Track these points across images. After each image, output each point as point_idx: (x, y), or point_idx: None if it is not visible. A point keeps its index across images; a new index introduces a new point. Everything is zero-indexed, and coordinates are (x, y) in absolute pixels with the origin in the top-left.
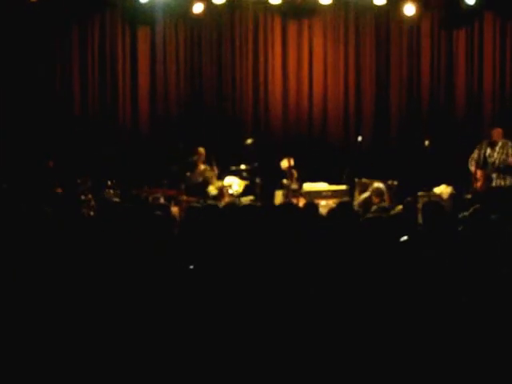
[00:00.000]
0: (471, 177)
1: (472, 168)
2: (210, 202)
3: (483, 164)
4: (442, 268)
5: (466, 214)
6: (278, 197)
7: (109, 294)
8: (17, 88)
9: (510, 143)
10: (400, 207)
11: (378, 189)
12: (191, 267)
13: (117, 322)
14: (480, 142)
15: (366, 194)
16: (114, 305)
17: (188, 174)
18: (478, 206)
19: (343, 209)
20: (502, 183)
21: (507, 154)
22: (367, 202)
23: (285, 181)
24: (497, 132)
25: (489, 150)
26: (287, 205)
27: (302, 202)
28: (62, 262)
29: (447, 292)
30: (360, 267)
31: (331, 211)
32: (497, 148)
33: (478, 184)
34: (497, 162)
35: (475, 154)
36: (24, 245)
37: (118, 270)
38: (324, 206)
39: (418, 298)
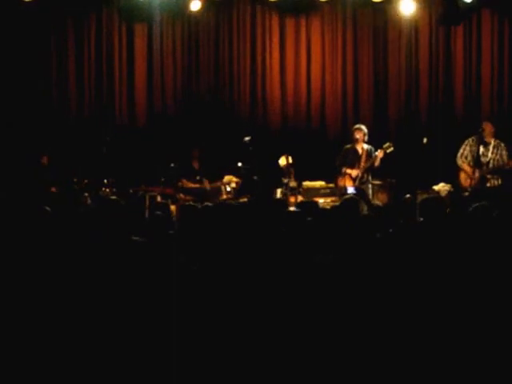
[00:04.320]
0: (458, 173)
1: (465, 166)
2: (207, 200)
3: (477, 162)
4: (442, 267)
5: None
6: (276, 194)
7: (108, 294)
8: (12, 85)
9: (502, 144)
10: None
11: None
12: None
13: (116, 320)
14: (470, 139)
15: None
16: (113, 304)
17: (185, 171)
18: (479, 204)
19: (348, 206)
20: (497, 183)
21: (501, 156)
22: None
23: (283, 178)
24: (488, 127)
25: (482, 149)
26: (282, 201)
27: (300, 200)
28: (61, 261)
29: (447, 290)
30: (360, 265)
31: (335, 208)
32: (490, 147)
33: (472, 182)
34: (491, 162)
35: (465, 151)
36: (22, 244)
37: (116, 268)
38: (322, 203)
39: (418, 296)
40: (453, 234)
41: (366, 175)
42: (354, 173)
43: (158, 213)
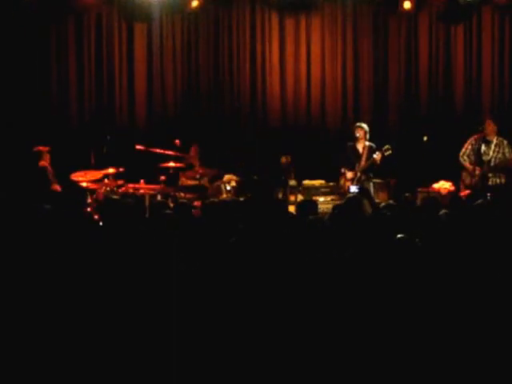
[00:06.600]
0: (462, 172)
1: (466, 164)
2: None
3: (478, 161)
4: (441, 267)
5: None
6: (276, 193)
7: (108, 294)
8: (12, 83)
9: (505, 142)
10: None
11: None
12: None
13: (115, 320)
14: (473, 137)
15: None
16: (113, 304)
17: (185, 171)
18: (481, 201)
19: (351, 205)
20: (498, 181)
21: (504, 154)
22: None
23: (283, 178)
24: (491, 126)
25: (483, 147)
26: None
27: (300, 199)
28: (62, 260)
29: (448, 291)
30: (362, 266)
31: (337, 207)
32: (492, 146)
33: (473, 180)
34: (492, 160)
35: (467, 150)
36: (22, 244)
37: (117, 268)
38: (323, 202)
39: (418, 297)
40: (453, 231)
41: (364, 176)
42: (351, 175)
43: (158, 212)
